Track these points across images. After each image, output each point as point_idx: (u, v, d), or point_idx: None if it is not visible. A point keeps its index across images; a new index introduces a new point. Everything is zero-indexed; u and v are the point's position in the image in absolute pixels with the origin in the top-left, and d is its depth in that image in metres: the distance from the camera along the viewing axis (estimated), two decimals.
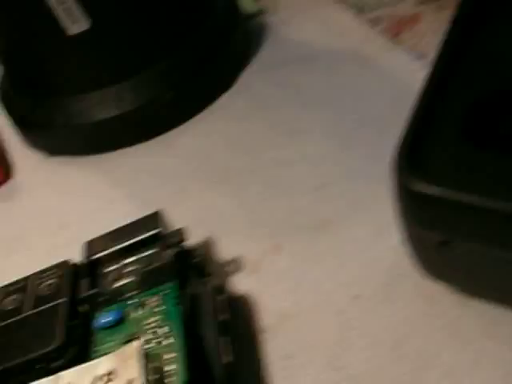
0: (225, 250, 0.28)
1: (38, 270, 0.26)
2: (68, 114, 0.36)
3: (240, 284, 0.27)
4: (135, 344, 0.21)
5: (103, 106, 0.35)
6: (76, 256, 0.26)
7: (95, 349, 0.23)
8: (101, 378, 0.21)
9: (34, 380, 0.22)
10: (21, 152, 0.39)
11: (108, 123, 0.35)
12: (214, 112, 0.36)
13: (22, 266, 0.31)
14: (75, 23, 0.33)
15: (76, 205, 0.34)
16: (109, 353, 0.22)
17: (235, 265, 0.28)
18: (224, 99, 0.37)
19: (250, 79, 0.38)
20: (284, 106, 0.35)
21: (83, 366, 0.21)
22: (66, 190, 0.35)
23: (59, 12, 0.33)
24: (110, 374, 0.21)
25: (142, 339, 0.21)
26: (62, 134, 0.36)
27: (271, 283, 0.27)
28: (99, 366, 0.21)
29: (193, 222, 0.27)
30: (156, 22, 0.35)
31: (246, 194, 0.31)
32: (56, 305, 0.24)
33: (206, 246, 0.28)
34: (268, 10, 0.42)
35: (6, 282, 0.26)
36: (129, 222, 0.27)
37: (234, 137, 0.34)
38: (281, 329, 0.25)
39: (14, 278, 0.26)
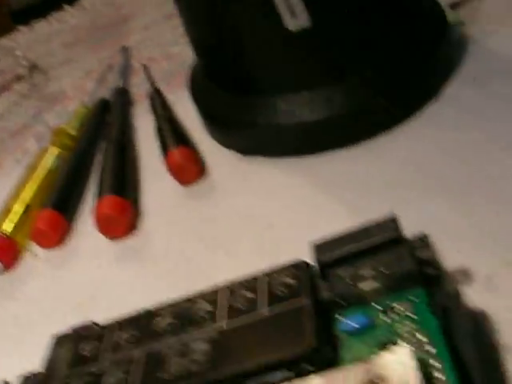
0: (452, 262, 0.27)
1: (265, 269, 0.25)
2: (272, 114, 0.35)
3: (474, 299, 0.25)
4: (405, 350, 0.20)
5: (310, 107, 0.34)
6: (285, 257, 0.25)
7: (343, 354, 0.22)
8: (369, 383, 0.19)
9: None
10: (213, 149, 0.39)
11: (314, 125, 0.34)
12: (422, 121, 0.35)
13: (224, 264, 0.30)
14: (295, 19, 0.32)
15: (278, 207, 0.33)
16: (361, 358, 0.21)
17: (465, 277, 0.26)
18: (432, 109, 0.35)
19: (458, 89, 0.36)
20: (499, 118, 0.33)
21: (344, 369, 0.20)
22: (265, 191, 0.34)
23: (281, 6, 0.32)
24: (377, 379, 0.19)
25: (408, 346, 0.20)
26: (264, 133, 0.35)
27: (510, 300, 0.25)
28: (356, 372, 0.20)
29: (416, 232, 0.25)
30: (370, 28, 0.34)
31: (470, 206, 0.29)
32: (300, 305, 0.23)
33: (438, 257, 0.27)
34: (467, 21, 0.41)
35: (211, 283, 0.26)
36: (354, 226, 0.25)
37: (448, 146, 0.33)
38: None
39: (218, 279, 0.26)
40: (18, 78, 0.54)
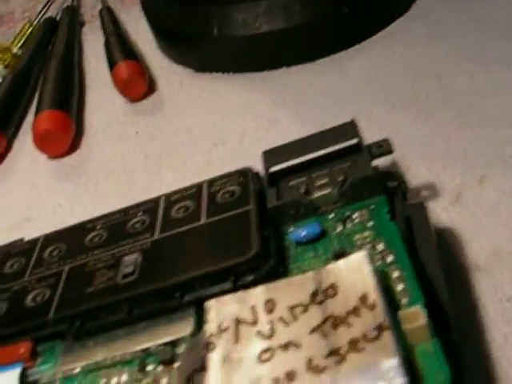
0: (419, 178, 0.24)
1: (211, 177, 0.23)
2: (227, 25, 0.32)
3: (441, 215, 0.23)
4: (361, 255, 0.17)
5: (269, 17, 0.31)
6: None
7: (293, 266, 0.19)
8: (317, 293, 0.17)
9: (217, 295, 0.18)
10: (163, 65, 0.36)
11: (273, 36, 0.31)
12: (390, 35, 0.32)
13: (171, 183, 0.28)
14: None
15: (232, 123, 0.31)
16: (312, 269, 0.18)
17: (433, 193, 0.24)
18: (400, 23, 0.33)
19: (428, 5, 0.33)
20: (469, 34, 0.31)
21: (291, 279, 0.18)
22: (219, 106, 0.32)
23: None
24: (327, 289, 0.17)
25: (364, 252, 0.18)
26: (218, 46, 0.33)
27: (477, 216, 0.23)
28: (303, 280, 0.17)
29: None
30: None
31: (437, 120, 0.27)
32: (244, 212, 0.21)
33: (400, 170, 0.25)
34: None
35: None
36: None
37: (416, 60, 0.30)
38: (496, 267, 0.21)
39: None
40: None
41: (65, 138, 0.32)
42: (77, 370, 0.19)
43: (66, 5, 0.45)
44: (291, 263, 0.20)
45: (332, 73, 0.31)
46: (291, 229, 0.21)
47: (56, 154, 0.32)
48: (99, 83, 0.36)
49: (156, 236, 0.21)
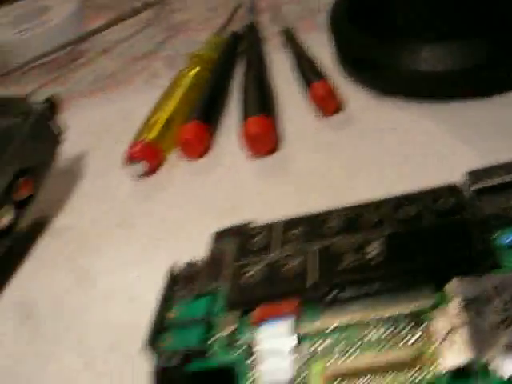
0: None
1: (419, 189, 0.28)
2: (414, 59, 0.37)
3: None
4: None
5: (453, 56, 0.36)
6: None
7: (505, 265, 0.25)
8: None
9: None
10: (348, 87, 0.41)
11: (455, 73, 0.37)
12: None
13: (366, 190, 0.33)
14: None
15: (415, 143, 0.36)
16: None
17: None
18: None
19: None
20: None
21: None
22: (402, 128, 0.37)
23: None
24: None
25: None
26: (402, 77, 0.38)
27: None
28: None
29: None
30: None
31: None
32: (460, 220, 0.26)
33: None
34: None
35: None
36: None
37: None
38: None
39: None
40: (148, 6, 0.57)
41: (269, 141, 0.38)
42: (335, 325, 0.24)
43: (249, 21, 0.51)
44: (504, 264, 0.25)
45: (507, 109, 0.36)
46: (500, 235, 0.26)
47: (259, 154, 0.38)
48: (291, 96, 0.42)
49: (387, 232, 0.26)
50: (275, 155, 0.38)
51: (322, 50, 0.44)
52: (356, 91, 0.41)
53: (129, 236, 0.36)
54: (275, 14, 0.51)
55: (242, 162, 0.38)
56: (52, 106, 0.38)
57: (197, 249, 0.29)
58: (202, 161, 0.40)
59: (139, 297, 0.32)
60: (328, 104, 0.39)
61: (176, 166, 0.40)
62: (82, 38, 0.56)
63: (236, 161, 0.39)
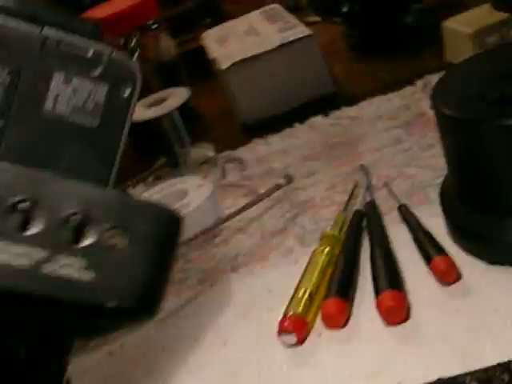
0: None
1: None
2: None
3: None
4: None
5: None
6: None
7: None
8: None
9: None
10: (461, 257, 0.48)
11: None
12: None
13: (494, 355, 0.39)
14: None
15: None
16: None
17: None
18: None
19: None
20: None
21: None
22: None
23: None
24: None
25: None
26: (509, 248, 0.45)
27: None
28: None
29: None
30: None
31: None
32: None
33: None
34: None
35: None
36: None
37: None
38: None
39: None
40: (278, 188, 0.66)
41: (402, 312, 0.44)
42: None
43: (368, 199, 0.58)
44: None
45: None
46: None
47: (394, 324, 0.45)
48: (414, 268, 0.49)
49: None
50: (408, 323, 0.45)
51: (435, 220, 0.51)
52: (469, 261, 0.47)
53: None
54: (388, 190, 0.59)
55: (379, 331, 0.45)
56: None
57: None
58: (343, 330, 0.47)
59: None
60: (449, 275, 0.46)
61: (321, 336, 0.47)
62: (221, 222, 0.64)
63: (373, 330, 0.45)
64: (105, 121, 0.44)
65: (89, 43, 0.43)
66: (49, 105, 0.42)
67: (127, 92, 0.44)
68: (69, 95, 0.43)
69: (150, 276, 0.37)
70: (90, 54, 0.43)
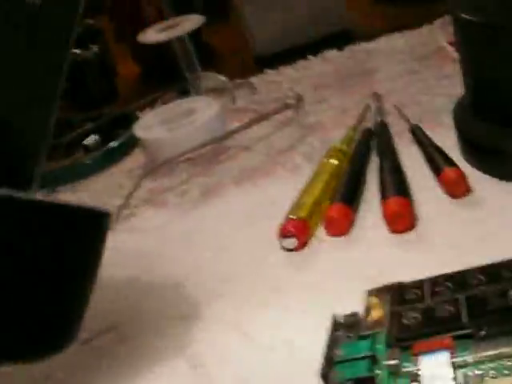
0: None
1: None
2: None
3: None
4: None
5: None
6: None
7: None
8: None
9: None
10: (471, 173, 0.47)
11: None
12: None
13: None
14: None
15: None
16: None
17: None
18: None
19: None
20: None
21: None
22: None
23: None
24: None
25: None
26: None
27: None
28: None
29: None
30: None
31: None
32: None
33: None
34: None
35: None
36: None
37: None
38: None
39: None
40: (287, 107, 0.64)
41: (408, 219, 0.43)
42: (485, 357, 0.29)
43: (379, 119, 0.57)
44: None
45: None
46: None
47: (399, 231, 0.43)
48: (421, 181, 0.48)
49: None
50: (413, 232, 0.43)
51: (447, 142, 0.50)
52: (480, 177, 0.46)
53: (283, 299, 0.42)
54: (400, 112, 0.57)
55: (384, 237, 0.44)
56: None
57: (349, 306, 0.35)
58: (346, 237, 0.45)
59: (299, 349, 0.37)
60: (459, 187, 0.44)
61: (323, 241, 0.46)
62: (226, 135, 0.63)
63: (377, 236, 0.44)
64: None
65: None
66: None
67: None
68: None
69: None
70: None
